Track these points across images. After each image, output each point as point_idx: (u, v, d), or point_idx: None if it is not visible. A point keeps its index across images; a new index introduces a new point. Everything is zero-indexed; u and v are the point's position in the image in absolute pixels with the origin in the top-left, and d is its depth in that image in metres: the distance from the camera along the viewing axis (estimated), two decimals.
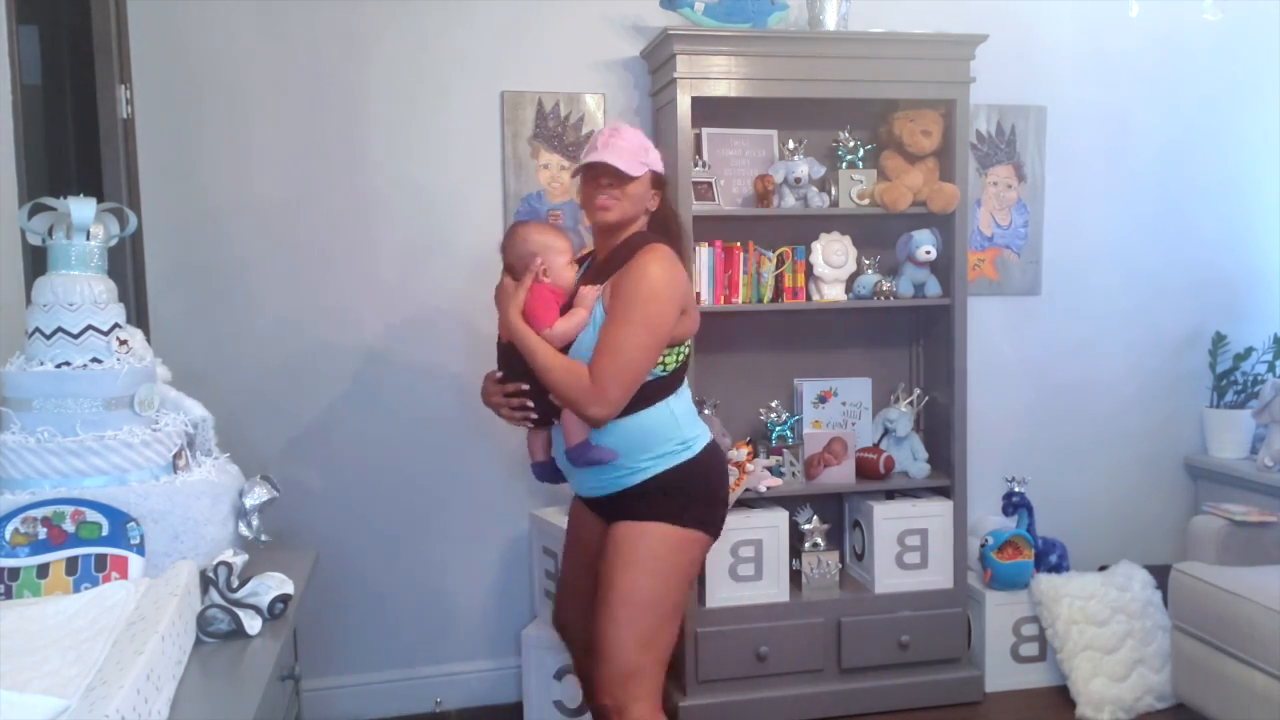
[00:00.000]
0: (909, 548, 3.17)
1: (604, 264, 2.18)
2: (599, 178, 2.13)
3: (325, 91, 3.03)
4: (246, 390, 3.01)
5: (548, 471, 2.30)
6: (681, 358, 2.18)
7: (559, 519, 2.92)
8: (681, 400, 2.20)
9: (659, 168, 2.20)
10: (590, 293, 2.13)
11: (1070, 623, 3.16)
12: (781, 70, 2.99)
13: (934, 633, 3.17)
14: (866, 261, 3.23)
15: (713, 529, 2.23)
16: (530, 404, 2.16)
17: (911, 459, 3.23)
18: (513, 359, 2.16)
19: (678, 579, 2.19)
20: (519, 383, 2.16)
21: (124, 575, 1.58)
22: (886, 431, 3.27)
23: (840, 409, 3.29)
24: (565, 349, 2.10)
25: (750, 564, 3.06)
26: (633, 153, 2.13)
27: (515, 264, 2.19)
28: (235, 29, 2.96)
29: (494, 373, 2.25)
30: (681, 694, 3.06)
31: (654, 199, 2.21)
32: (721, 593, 3.04)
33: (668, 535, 2.15)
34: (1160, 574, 3.16)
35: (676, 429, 2.16)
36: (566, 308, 2.14)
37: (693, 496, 2.18)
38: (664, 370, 2.13)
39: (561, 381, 2.06)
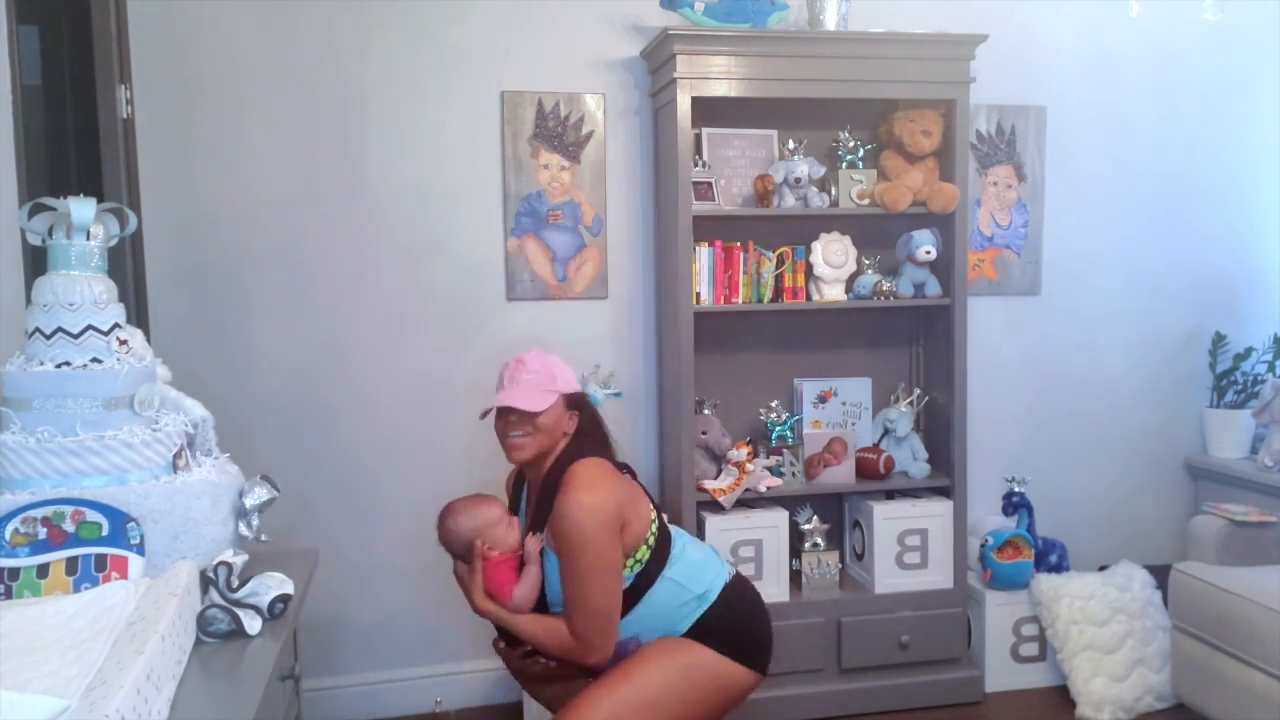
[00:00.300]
0: (909, 548, 3.17)
1: (539, 500, 2.16)
2: (508, 414, 2.13)
3: (325, 91, 3.03)
4: (246, 390, 3.01)
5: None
6: (647, 553, 2.12)
7: None
8: (679, 565, 2.15)
9: (570, 388, 2.18)
10: (534, 546, 2.12)
11: (1070, 623, 3.16)
12: (781, 70, 2.99)
13: (934, 633, 3.17)
14: (866, 261, 3.23)
15: (758, 664, 2.17)
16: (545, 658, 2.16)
17: (911, 459, 3.23)
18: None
19: (696, 701, 2.10)
20: (521, 647, 2.17)
21: (124, 575, 1.58)
22: (886, 431, 3.27)
23: (840, 409, 3.29)
24: (541, 598, 2.12)
25: (750, 564, 3.06)
26: (536, 385, 2.13)
27: (460, 553, 2.19)
28: (235, 29, 2.96)
29: (497, 640, 2.24)
30: None
31: (571, 420, 2.18)
32: None
33: (707, 654, 2.10)
34: (1160, 574, 3.16)
35: (685, 591, 2.13)
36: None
37: (735, 630, 2.14)
38: (632, 575, 2.10)
39: (548, 646, 2.10)
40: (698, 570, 2.16)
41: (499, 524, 2.16)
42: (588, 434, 2.21)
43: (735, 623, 2.16)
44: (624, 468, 2.23)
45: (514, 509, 2.30)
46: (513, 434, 2.13)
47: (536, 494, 2.18)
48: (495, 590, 2.13)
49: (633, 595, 2.10)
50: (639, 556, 2.10)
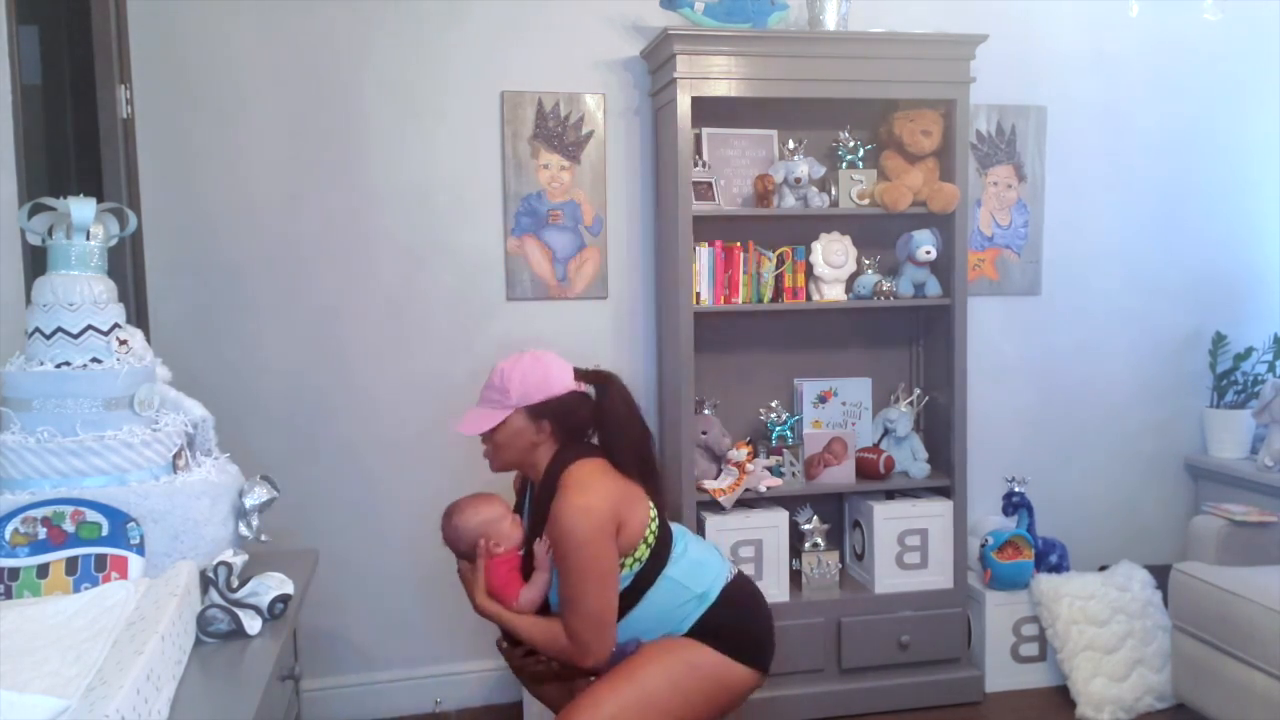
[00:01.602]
0: (909, 548, 3.17)
1: (538, 501, 2.16)
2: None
3: (325, 91, 3.03)
4: (246, 390, 3.01)
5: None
6: (646, 552, 2.11)
7: None
8: (680, 564, 2.14)
9: (531, 399, 2.12)
10: (543, 551, 2.11)
11: (1070, 623, 3.16)
12: (781, 70, 2.99)
13: (934, 633, 3.17)
14: (866, 261, 3.23)
15: (760, 664, 2.16)
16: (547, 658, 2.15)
17: (911, 459, 3.23)
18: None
19: (698, 701, 2.09)
20: (524, 646, 2.17)
21: (124, 575, 1.58)
22: (886, 431, 3.27)
23: (840, 409, 3.29)
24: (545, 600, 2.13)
25: (750, 564, 3.06)
26: (487, 401, 2.16)
27: (466, 552, 2.20)
28: (235, 29, 2.96)
29: (500, 640, 2.24)
30: None
31: (539, 429, 2.14)
32: None
33: (709, 654, 2.09)
34: (1160, 574, 3.16)
35: (686, 590, 2.12)
36: (528, 550, 2.16)
37: (737, 630, 2.13)
38: (630, 574, 2.09)
39: (545, 648, 2.10)
40: (698, 569, 2.15)
41: (503, 520, 2.17)
42: (605, 426, 2.17)
43: (737, 622, 2.15)
44: (645, 461, 2.19)
45: (520, 510, 2.31)
46: (483, 447, 2.21)
47: (537, 496, 2.18)
48: (498, 589, 2.13)
49: (632, 595, 2.09)
50: (637, 556, 2.10)
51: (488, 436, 2.17)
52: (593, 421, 2.20)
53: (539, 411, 2.14)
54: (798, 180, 3.08)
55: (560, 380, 2.17)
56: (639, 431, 2.19)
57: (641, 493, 2.17)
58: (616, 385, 2.19)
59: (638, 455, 2.17)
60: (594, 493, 2.05)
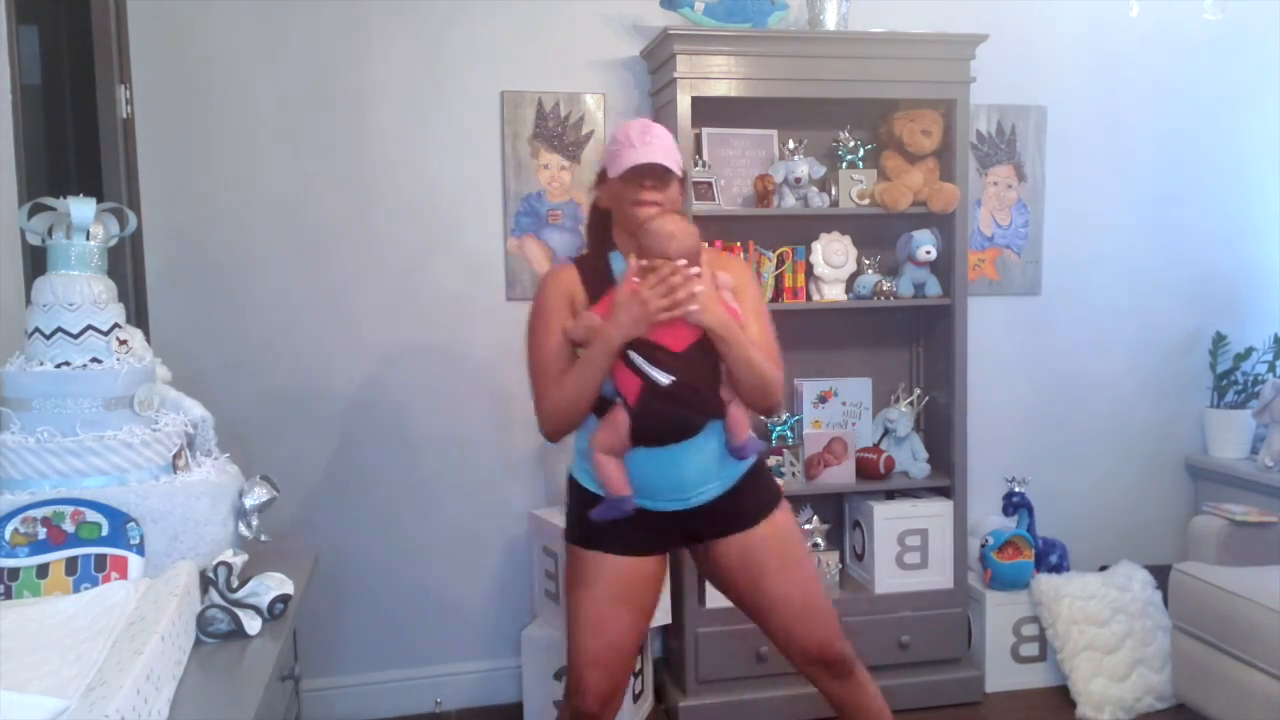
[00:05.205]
0: (909, 548, 3.17)
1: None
2: (643, 179, 2.02)
3: (325, 91, 3.03)
4: (246, 390, 3.01)
5: (626, 505, 2.06)
6: None
7: (559, 519, 2.91)
8: None
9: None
10: (727, 283, 2.06)
11: (1070, 623, 3.16)
12: (781, 70, 2.99)
13: (934, 633, 3.17)
14: (866, 261, 3.23)
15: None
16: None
17: (911, 459, 3.23)
18: (680, 364, 1.99)
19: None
20: (685, 381, 1.99)
21: (124, 575, 1.58)
22: (886, 431, 3.27)
23: (840, 409, 3.29)
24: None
25: None
26: (668, 150, 2.05)
27: (687, 255, 1.97)
28: (235, 29, 2.96)
29: (637, 264, 2.01)
30: (681, 694, 3.06)
31: (680, 199, 2.10)
32: None
33: (790, 515, 2.24)
34: (1160, 574, 3.16)
35: None
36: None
37: (766, 466, 2.26)
38: None
39: (770, 373, 2.02)
40: None
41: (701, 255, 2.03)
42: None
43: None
44: None
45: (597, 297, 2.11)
46: (649, 198, 2.02)
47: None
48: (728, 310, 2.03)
49: None
50: None
51: (662, 185, 2.03)
52: None
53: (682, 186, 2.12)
54: (798, 180, 3.08)
55: None
56: None
57: None
58: None
59: None
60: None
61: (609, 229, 2.17)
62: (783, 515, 2.19)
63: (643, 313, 1.94)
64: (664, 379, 1.97)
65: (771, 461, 3.17)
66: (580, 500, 2.15)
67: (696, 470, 2.07)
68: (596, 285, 2.09)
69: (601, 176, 2.15)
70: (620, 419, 2.00)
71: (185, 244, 2.96)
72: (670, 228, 1.99)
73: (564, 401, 2.03)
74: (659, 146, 2.03)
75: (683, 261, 1.95)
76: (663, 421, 2.00)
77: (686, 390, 1.98)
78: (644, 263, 1.99)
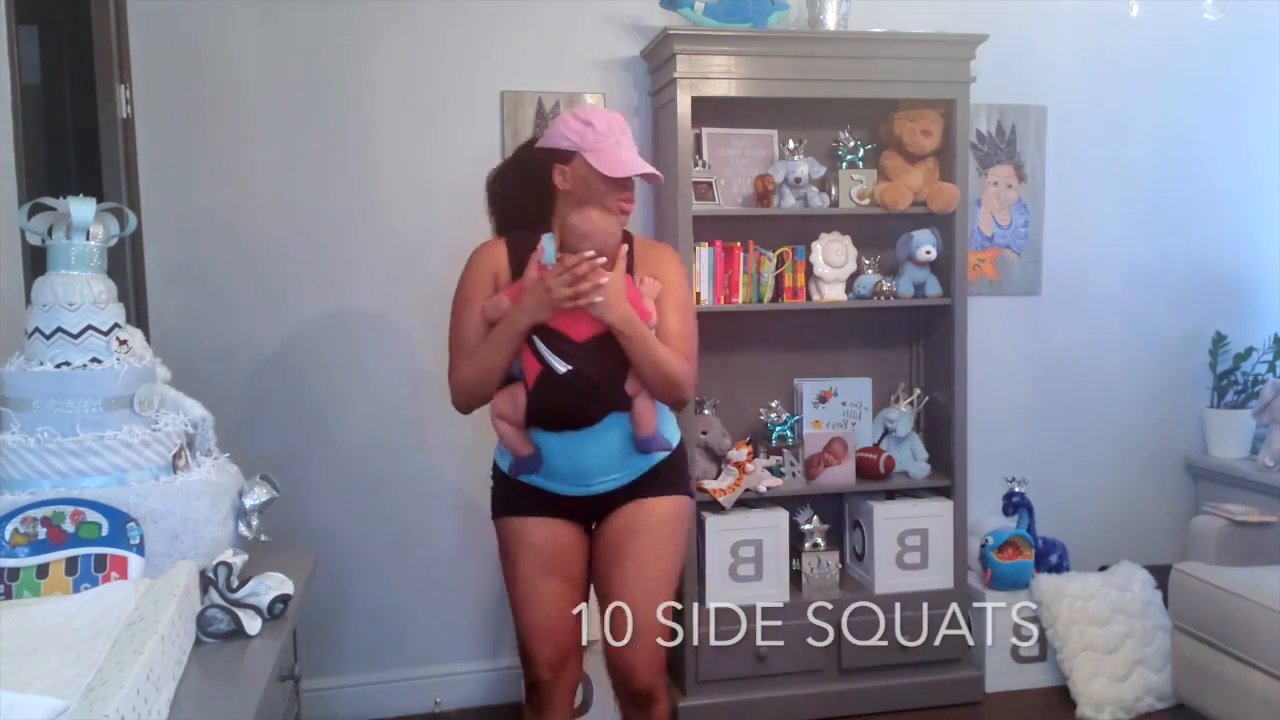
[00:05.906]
0: (909, 548, 3.17)
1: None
2: (625, 181, 2.12)
3: (325, 91, 3.03)
4: (246, 390, 3.01)
5: (533, 462, 2.15)
6: None
7: None
8: None
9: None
10: (653, 289, 2.12)
11: (1070, 623, 3.16)
12: (781, 70, 2.99)
13: (934, 633, 3.16)
14: (866, 261, 3.23)
15: (692, 494, 2.32)
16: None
17: (911, 459, 3.23)
18: (580, 354, 2.03)
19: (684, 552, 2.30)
20: (585, 376, 2.03)
21: (124, 575, 1.58)
22: (886, 431, 3.27)
23: (840, 409, 3.29)
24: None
25: (750, 564, 3.06)
26: (631, 148, 2.16)
27: (605, 250, 2.02)
28: (235, 29, 2.96)
29: (538, 260, 2.08)
30: (681, 694, 3.06)
31: None
32: (721, 593, 3.04)
33: (686, 507, 2.26)
34: (1161, 574, 3.16)
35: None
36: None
37: (685, 463, 2.29)
38: None
39: (676, 369, 2.07)
40: None
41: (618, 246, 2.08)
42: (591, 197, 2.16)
43: (684, 447, 2.29)
44: None
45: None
46: (628, 201, 2.14)
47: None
48: (634, 306, 2.06)
49: None
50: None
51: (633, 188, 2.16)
52: None
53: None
54: (798, 180, 3.08)
55: None
56: None
57: None
58: None
59: None
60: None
61: (546, 208, 2.18)
62: (673, 503, 2.20)
63: (546, 299, 2.00)
64: (561, 367, 2.03)
65: (771, 461, 3.17)
66: (499, 480, 2.28)
67: (598, 460, 2.13)
68: (523, 265, 2.13)
69: (558, 154, 2.12)
70: (519, 395, 2.10)
71: (185, 244, 2.96)
72: (586, 227, 2.04)
73: (472, 375, 2.12)
74: (634, 149, 2.15)
75: (591, 253, 2.00)
76: (555, 407, 2.06)
77: (581, 380, 2.04)
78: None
